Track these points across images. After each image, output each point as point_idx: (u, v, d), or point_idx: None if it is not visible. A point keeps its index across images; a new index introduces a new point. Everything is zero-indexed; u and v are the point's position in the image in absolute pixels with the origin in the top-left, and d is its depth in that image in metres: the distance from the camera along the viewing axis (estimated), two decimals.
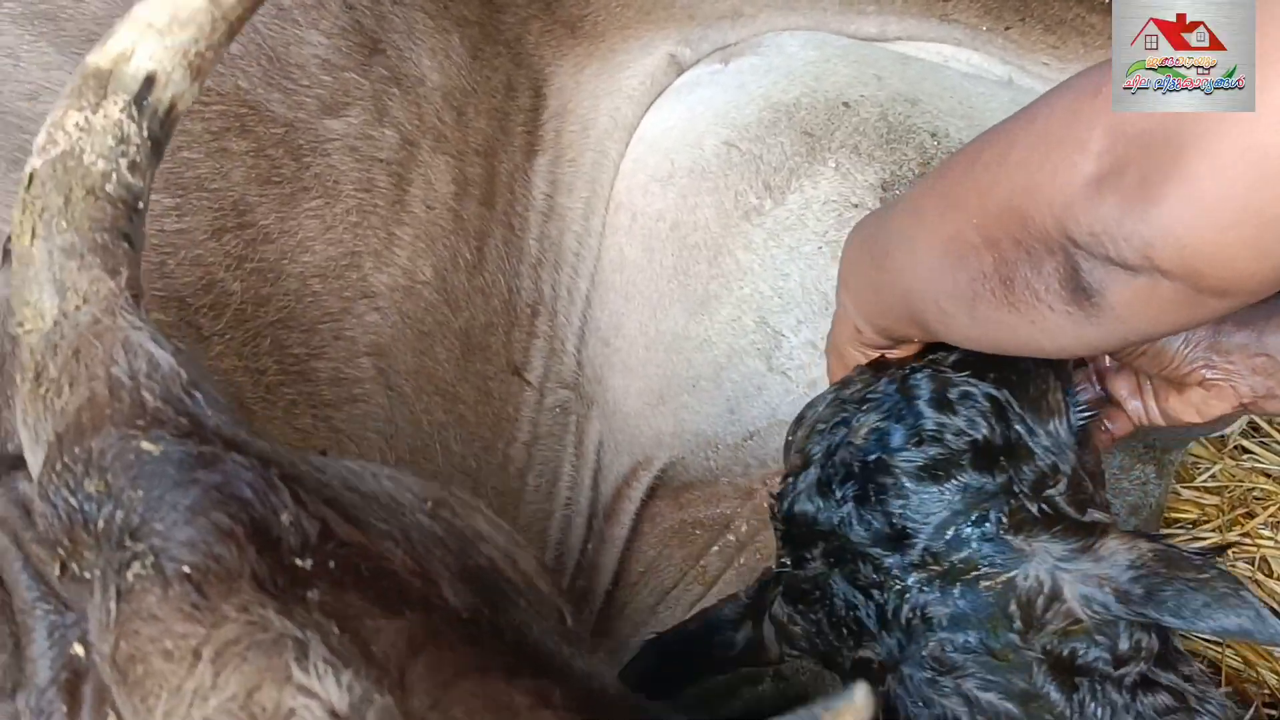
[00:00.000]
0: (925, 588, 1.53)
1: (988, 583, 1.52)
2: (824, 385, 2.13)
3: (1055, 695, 1.53)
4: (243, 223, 1.83)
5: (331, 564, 0.96)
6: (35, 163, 1.07)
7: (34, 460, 1.01)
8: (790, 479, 1.63)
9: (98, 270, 1.04)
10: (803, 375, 2.16)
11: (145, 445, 0.95)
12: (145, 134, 1.09)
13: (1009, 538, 1.53)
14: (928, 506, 1.53)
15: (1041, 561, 1.52)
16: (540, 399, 2.14)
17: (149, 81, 1.09)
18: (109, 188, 1.07)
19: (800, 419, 1.70)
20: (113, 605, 0.91)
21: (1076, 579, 1.51)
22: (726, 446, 2.19)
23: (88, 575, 0.95)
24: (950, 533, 1.53)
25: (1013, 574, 1.52)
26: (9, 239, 1.10)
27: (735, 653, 1.72)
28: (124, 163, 1.07)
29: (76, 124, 1.07)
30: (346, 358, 1.85)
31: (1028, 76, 2.49)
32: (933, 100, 2.31)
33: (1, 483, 1.09)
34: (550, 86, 2.24)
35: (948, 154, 2.23)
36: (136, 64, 1.09)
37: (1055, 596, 1.52)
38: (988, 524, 1.53)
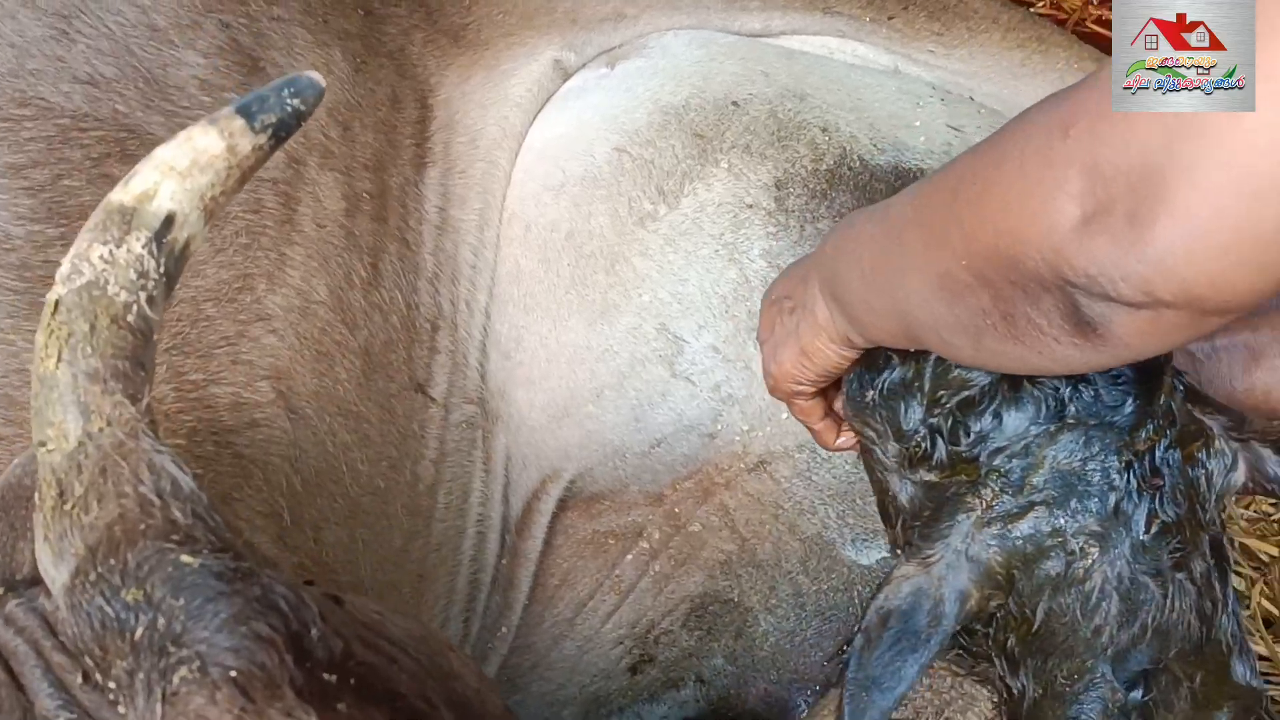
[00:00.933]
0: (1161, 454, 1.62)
1: (1188, 449, 1.63)
2: (728, 388, 2.22)
3: (1215, 580, 1.65)
4: None
5: (352, 680, 1.04)
6: (60, 290, 1.14)
7: (56, 575, 1.07)
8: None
9: (120, 395, 1.12)
10: (706, 380, 2.22)
11: (184, 558, 1.03)
12: (162, 270, 1.17)
13: (1190, 406, 1.65)
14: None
15: (1218, 431, 1.65)
16: (446, 415, 2.19)
17: (169, 221, 1.18)
18: (130, 318, 1.14)
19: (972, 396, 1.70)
20: (158, 708, 0.98)
21: (1245, 451, 1.66)
22: (634, 455, 2.26)
23: (111, 685, 1.02)
24: (1162, 400, 1.62)
25: (1201, 441, 1.64)
26: None
27: (952, 619, 1.66)
28: (143, 296, 1.15)
29: (101, 256, 1.15)
30: (245, 382, 1.89)
31: (913, 65, 2.58)
32: (821, 94, 2.39)
33: (20, 594, 1.15)
34: (436, 98, 2.30)
35: (838, 148, 2.31)
36: (158, 203, 1.18)
37: (1233, 467, 1.65)
38: (1180, 389, 1.64)
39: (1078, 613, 1.63)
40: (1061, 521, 1.62)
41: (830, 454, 2.24)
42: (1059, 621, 1.64)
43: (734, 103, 2.32)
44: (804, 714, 2.23)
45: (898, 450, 1.75)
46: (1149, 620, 1.62)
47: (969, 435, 1.66)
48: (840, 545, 2.26)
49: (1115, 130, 1.18)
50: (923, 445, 1.70)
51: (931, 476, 1.71)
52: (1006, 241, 1.29)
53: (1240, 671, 1.67)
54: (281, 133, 1.22)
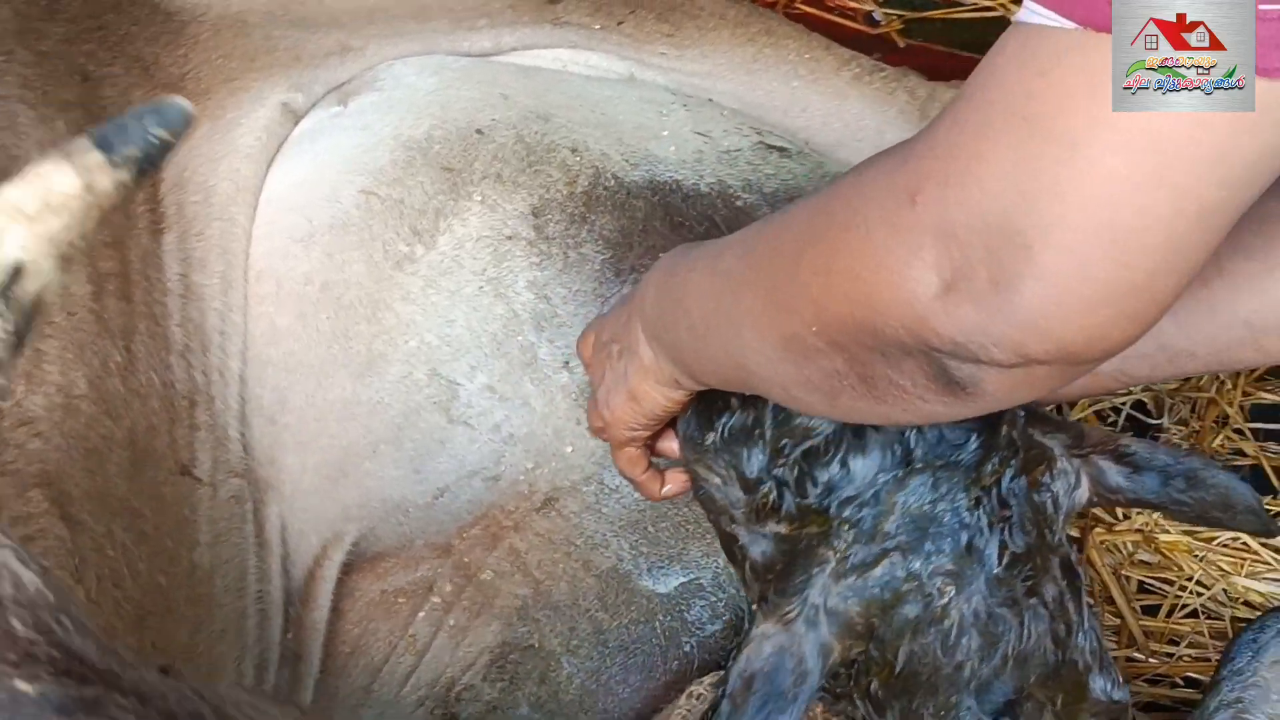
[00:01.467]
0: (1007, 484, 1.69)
1: (1032, 475, 1.72)
2: (508, 427, 2.21)
3: (1068, 602, 1.73)
4: None
5: None
6: None
7: None
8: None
9: None
10: (484, 421, 2.21)
11: (20, 685, 0.93)
12: (11, 330, 1.05)
13: (1031, 430, 1.72)
14: None
15: (1059, 451, 1.74)
16: (214, 494, 2.13)
17: (17, 272, 1.05)
18: None
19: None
20: None
21: (1087, 466, 1.76)
22: (417, 508, 2.23)
23: None
24: (1004, 431, 1.69)
25: (1044, 465, 1.73)
26: None
27: (817, 675, 1.69)
28: None
29: None
30: (15, 494, 1.81)
31: (648, 70, 2.61)
32: (564, 113, 2.39)
33: None
34: None
35: (590, 168, 2.30)
36: (4, 252, 1.05)
37: (1076, 485, 1.75)
38: (1020, 414, 1.70)
39: (939, 651, 1.68)
40: (916, 565, 1.67)
41: (619, 483, 2.24)
42: (921, 662, 1.69)
43: (478, 130, 2.31)
44: None
45: (744, 500, 1.76)
46: (1009, 650, 1.69)
47: (816, 486, 1.70)
48: (637, 576, 2.26)
49: (966, 194, 1.20)
50: (770, 497, 1.73)
51: (781, 529, 1.74)
52: (862, 311, 1.30)
53: (1100, 686, 1.74)
54: (146, 167, 1.12)
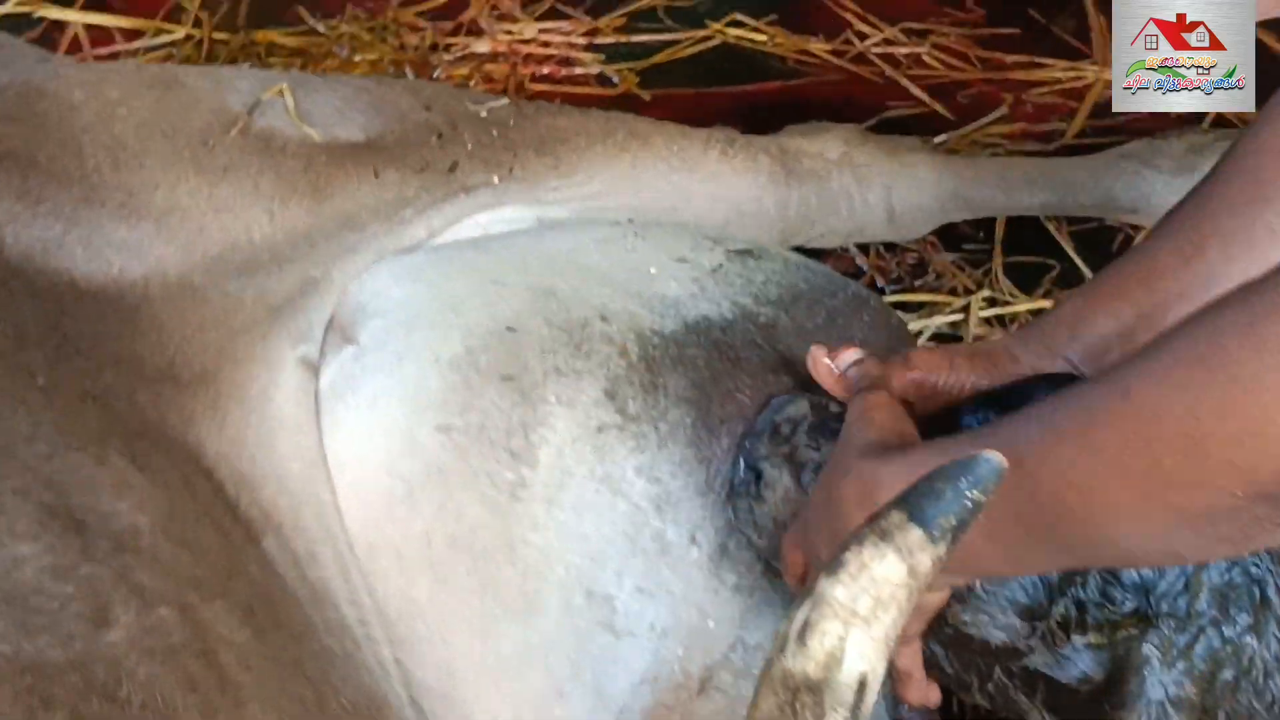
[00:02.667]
0: None
1: None
2: (660, 623, 2.21)
3: None
4: None
5: None
6: None
7: None
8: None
9: None
10: (641, 624, 2.17)
11: None
12: None
13: None
14: None
15: None
16: None
17: (862, 687, 1.03)
18: None
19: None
20: None
21: None
22: None
23: None
24: None
25: None
26: None
27: None
28: None
29: None
30: None
31: (551, 208, 2.64)
32: (559, 281, 2.36)
33: None
34: (208, 458, 2.10)
35: (630, 331, 2.30)
36: (849, 667, 1.03)
37: None
38: None
39: (1253, 700, 1.81)
40: (1226, 631, 1.78)
41: (756, 640, 2.28)
42: (1237, 715, 1.82)
43: (509, 328, 2.27)
44: None
45: (1029, 629, 1.84)
46: None
47: (1128, 591, 1.79)
48: None
49: None
50: (1069, 616, 1.81)
51: (1090, 639, 1.81)
52: None
53: None
54: (960, 534, 1.09)
